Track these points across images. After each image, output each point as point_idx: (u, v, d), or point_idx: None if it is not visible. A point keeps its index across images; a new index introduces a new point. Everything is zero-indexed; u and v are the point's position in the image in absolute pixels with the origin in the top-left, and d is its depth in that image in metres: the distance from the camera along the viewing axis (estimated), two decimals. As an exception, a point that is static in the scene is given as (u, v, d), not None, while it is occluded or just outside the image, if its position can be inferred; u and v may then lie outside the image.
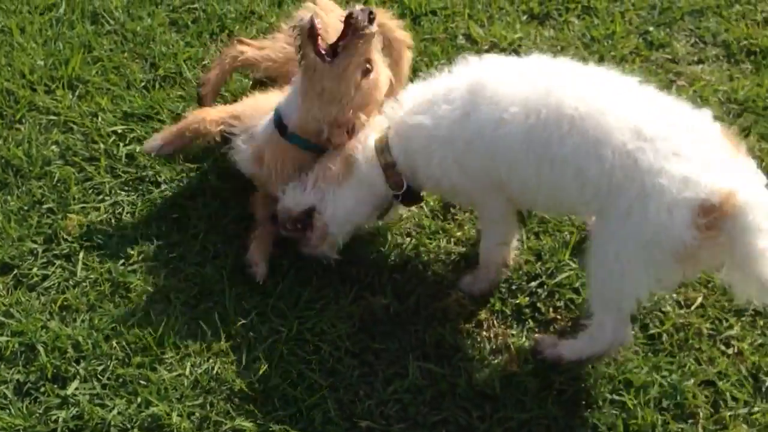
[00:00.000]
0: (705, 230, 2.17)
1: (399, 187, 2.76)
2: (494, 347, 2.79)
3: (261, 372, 2.69)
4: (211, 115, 3.08)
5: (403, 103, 2.74)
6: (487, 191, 2.64)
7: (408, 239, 3.07)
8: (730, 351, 2.75)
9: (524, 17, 3.91)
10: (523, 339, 2.79)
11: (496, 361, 2.74)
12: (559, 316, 2.85)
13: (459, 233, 3.09)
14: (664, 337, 2.77)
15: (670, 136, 2.25)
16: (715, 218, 2.16)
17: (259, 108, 3.03)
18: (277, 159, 2.90)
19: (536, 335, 2.78)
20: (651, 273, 2.34)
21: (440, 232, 3.09)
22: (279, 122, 2.89)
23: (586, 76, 2.50)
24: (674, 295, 2.87)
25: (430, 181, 2.73)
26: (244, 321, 2.83)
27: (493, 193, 2.64)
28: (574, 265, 2.94)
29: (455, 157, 2.58)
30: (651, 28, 3.81)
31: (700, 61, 3.68)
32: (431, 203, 3.17)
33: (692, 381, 2.65)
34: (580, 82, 2.44)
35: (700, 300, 2.85)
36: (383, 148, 2.74)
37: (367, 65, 2.75)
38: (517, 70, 2.55)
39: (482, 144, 2.50)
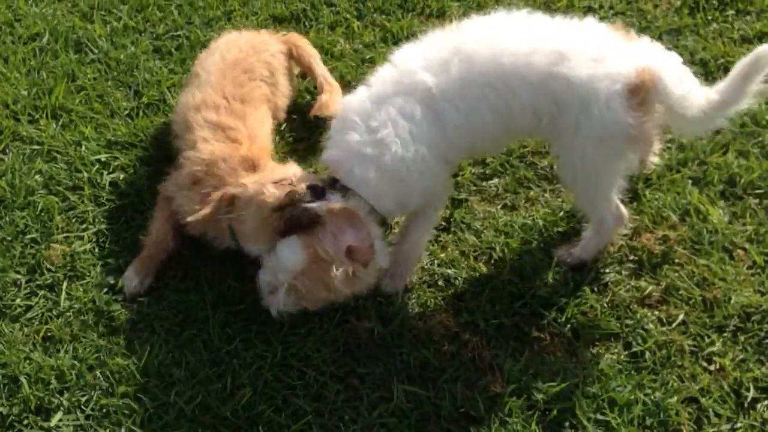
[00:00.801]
0: (640, 107, 2.57)
1: None
2: (478, 368, 2.79)
3: (246, 399, 2.69)
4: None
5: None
6: (446, 176, 2.89)
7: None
8: (712, 367, 2.76)
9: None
10: (507, 359, 2.79)
11: (480, 381, 2.75)
12: (542, 335, 2.86)
13: (442, 254, 3.10)
14: (647, 354, 2.78)
15: (583, 48, 2.60)
16: (643, 94, 2.56)
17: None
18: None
19: (556, 252, 3.00)
20: (616, 162, 2.70)
21: (423, 253, 3.10)
22: None
23: (495, 31, 2.72)
24: (656, 313, 2.89)
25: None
26: (228, 348, 2.83)
27: (447, 177, 2.90)
28: (555, 284, 2.95)
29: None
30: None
31: (678, 79, 3.72)
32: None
33: (675, 398, 2.66)
34: (493, 37, 2.68)
35: (681, 317, 2.86)
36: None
37: None
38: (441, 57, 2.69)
39: (459, 135, 2.70)
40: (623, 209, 2.95)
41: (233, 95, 3.16)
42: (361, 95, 2.75)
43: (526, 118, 2.70)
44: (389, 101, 2.67)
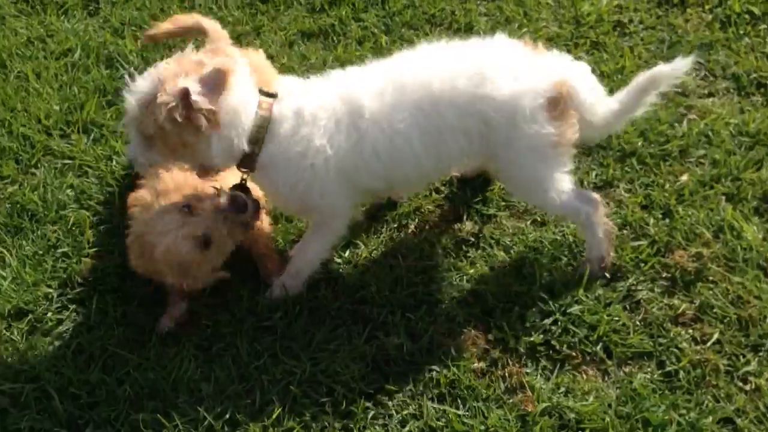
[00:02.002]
0: (560, 116, 2.73)
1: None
2: (509, 386, 2.76)
3: (275, 415, 2.68)
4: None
5: (296, 112, 2.73)
6: (351, 200, 2.91)
7: (420, 277, 3.06)
8: (747, 387, 2.71)
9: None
10: (538, 377, 2.76)
11: (511, 400, 2.72)
12: (573, 353, 2.82)
13: (471, 270, 3.08)
14: (681, 374, 2.74)
15: (501, 66, 2.71)
16: (561, 105, 2.72)
17: None
18: None
19: (585, 269, 2.98)
20: (548, 164, 2.82)
21: (452, 269, 3.08)
22: None
23: (417, 59, 2.81)
24: (690, 331, 2.84)
25: (292, 194, 2.80)
26: (257, 363, 2.83)
27: (354, 199, 2.93)
28: (587, 301, 2.92)
29: (342, 180, 2.79)
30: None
31: (710, 95, 3.68)
32: (443, 241, 3.17)
33: (710, 419, 2.61)
34: (421, 65, 2.77)
35: (716, 336, 2.81)
36: (259, 140, 2.71)
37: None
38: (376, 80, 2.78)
39: (378, 161, 2.76)
40: (591, 194, 3.01)
41: None
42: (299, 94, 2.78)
43: (458, 141, 2.77)
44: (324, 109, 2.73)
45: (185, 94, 2.50)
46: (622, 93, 2.85)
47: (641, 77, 2.81)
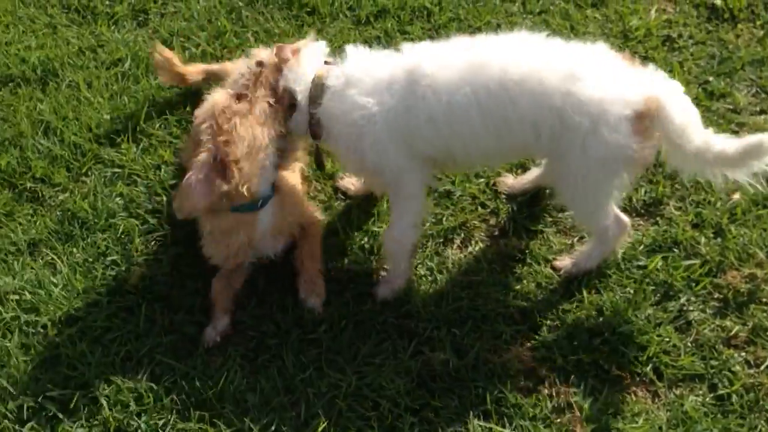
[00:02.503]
0: (644, 133, 2.65)
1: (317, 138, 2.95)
2: (556, 405, 2.73)
3: (320, 429, 2.68)
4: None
5: (348, 73, 2.82)
6: (415, 167, 2.88)
7: (465, 292, 3.04)
8: (804, 413, 2.64)
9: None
10: (586, 397, 2.72)
11: (558, 420, 2.68)
12: (623, 374, 2.78)
13: (518, 286, 3.06)
14: (734, 397, 2.68)
15: (594, 70, 2.66)
16: (648, 121, 2.64)
17: None
18: None
19: (554, 263, 3.05)
20: (613, 181, 2.76)
21: (498, 285, 3.06)
22: None
23: (509, 43, 2.81)
24: (743, 354, 2.79)
25: (352, 154, 2.86)
26: (302, 375, 2.83)
27: (419, 168, 2.89)
28: (636, 321, 2.87)
29: (396, 140, 2.80)
30: (711, 78, 3.76)
31: (762, 112, 3.61)
32: (489, 256, 3.15)
33: (765, 445, 2.55)
34: (506, 49, 2.75)
35: (771, 359, 2.76)
36: (316, 100, 2.85)
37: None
38: (449, 54, 2.78)
39: (434, 129, 2.75)
40: (623, 217, 2.97)
41: None
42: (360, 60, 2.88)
43: (524, 132, 2.72)
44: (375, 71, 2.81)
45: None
46: (727, 141, 2.67)
47: (746, 140, 2.64)
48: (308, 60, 2.92)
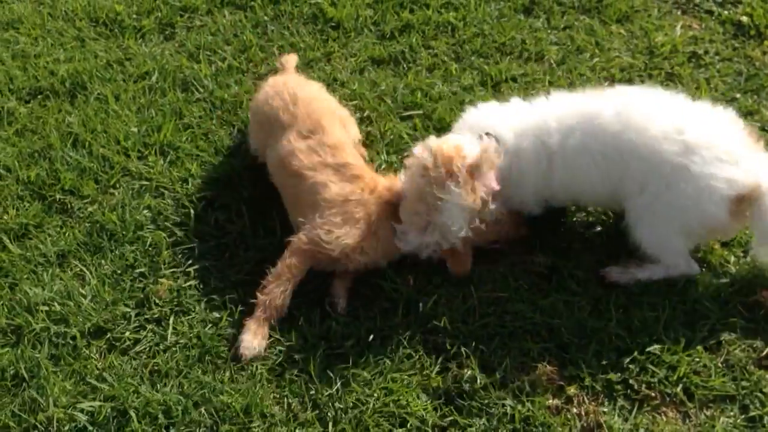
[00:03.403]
0: (739, 215, 2.84)
1: None
2: (585, 425, 2.71)
3: (348, 444, 2.68)
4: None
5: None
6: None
7: (492, 309, 3.03)
8: (837, 436, 2.61)
9: (606, 84, 3.90)
10: (615, 417, 2.71)
11: (587, 439, 2.67)
12: (653, 393, 2.76)
13: (544, 302, 3.04)
14: (766, 419, 2.65)
15: (711, 145, 2.82)
16: (745, 206, 2.82)
17: None
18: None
19: (601, 272, 3.10)
20: (697, 238, 3.00)
21: (525, 302, 3.05)
22: None
23: (630, 95, 3.05)
24: (775, 375, 2.76)
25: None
26: (329, 390, 2.83)
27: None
28: (666, 340, 2.85)
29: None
30: (738, 95, 3.75)
31: (791, 130, 3.60)
32: (516, 272, 3.14)
33: (798, 468, 2.52)
34: (624, 113, 2.95)
35: (803, 381, 2.73)
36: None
37: None
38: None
39: (563, 186, 3.13)
40: (693, 262, 3.04)
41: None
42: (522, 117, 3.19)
43: (631, 187, 2.95)
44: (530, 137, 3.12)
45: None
46: None
47: None
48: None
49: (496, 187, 3.01)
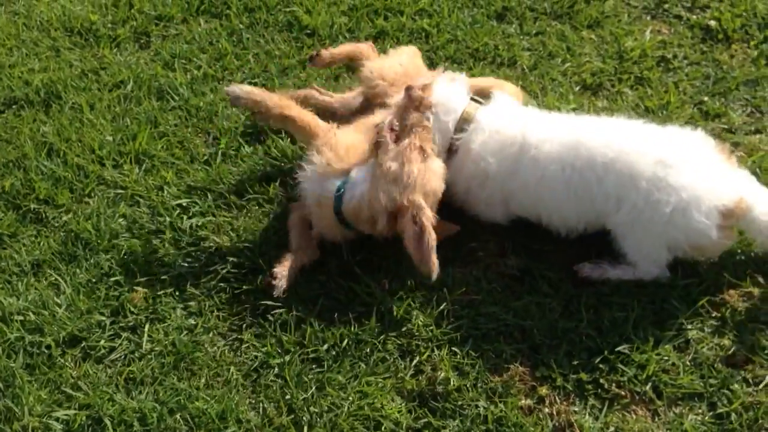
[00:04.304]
0: (726, 230, 2.89)
1: None
2: (557, 425, 2.75)
3: (322, 448, 2.70)
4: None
5: (484, 129, 3.16)
6: (503, 213, 3.29)
7: (466, 311, 3.07)
8: (802, 431, 2.67)
9: (577, 88, 3.96)
10: (586, 416, 2.75)
11: (559, 438, 2.70)
12: (622, 392, 2.80)
13: (518, 305, 3.08)
14: (733, 416, 2.70)
15: (688, 160, 2.90)
16: (733, 220, 2.87)
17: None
18: (323, 223, 3.18)
19: (574, 268, 3.12)
20: (677, 252, 3.00)
21: (498, 304, 3.08)
22: (338, 198, 3.02)
23: (603, 125, 3.13)
24: (742, 373, 2.81)
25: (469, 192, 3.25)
26: (304, 395, 2.85)
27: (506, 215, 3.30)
28: (635, 339, 2.90)
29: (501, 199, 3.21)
30: (706, 98, 3.82)
31: (757, 131, 3.66)
32: (489, 275, 3.17)
33: (764, 463, 2.57)
34: (600, 130, 3.04)
35: (768, 378, 2.78)
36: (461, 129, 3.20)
37: (424, 150, 2.94)
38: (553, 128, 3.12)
39: (527, 193, 3.13)
40: (666, 270, 3.06)
41: None
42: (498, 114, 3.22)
43: (606, 205, 2.98)
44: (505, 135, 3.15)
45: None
46: None
47: None
48: (455, 95, 3.26)
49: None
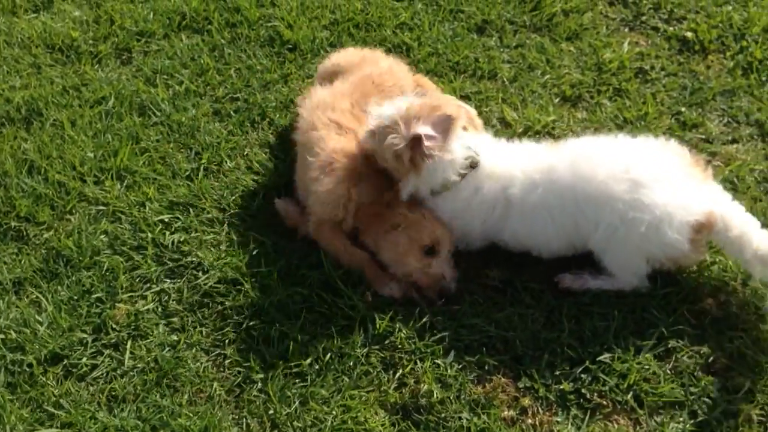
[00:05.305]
0: (698, 243, 2.94)
1: None
2: (539, 435, 2.76)
3: (306, 463, 2.69)
4: None
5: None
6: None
7: (449, 323, 3.08)
8: (782, 438, 2.69)
9: (557, 100, 4.00)
10: (569, 426, 2.76)
11: (542, 449, 2.71)
12: (604, 402, 2.82)
13: (499, 315, 3.09)
14: (713, 423, 2.72)
15: (660, 179, 2.92)
16: (704, 234, 2.92)
17: None
18: None
19: (556, 279, 3.16)
20: (651, 263, 3.05)
21: (480, 315, 3.10)
22: None
23: (579, 147, 3.12)
24: (721, 380, 2.83)
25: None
26: (288, 410, 2.85)
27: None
28: (617, 349, 2.92)
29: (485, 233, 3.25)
30: (683, 109, 3.87)
31: (734, 141, 3.71)
32: (471, 287, 3.19)
33: (745, 470, 2.59)
34: (574, 154, 3.06)
35: (748, 385, 2.80)
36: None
37: None
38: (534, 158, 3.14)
39: (516, 239, 3.19)
40: (646, 280, 3.10)
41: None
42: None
43: (587, 229, 3.04)
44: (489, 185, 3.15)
45: (417, 139, 2.99)
46: None
47: None
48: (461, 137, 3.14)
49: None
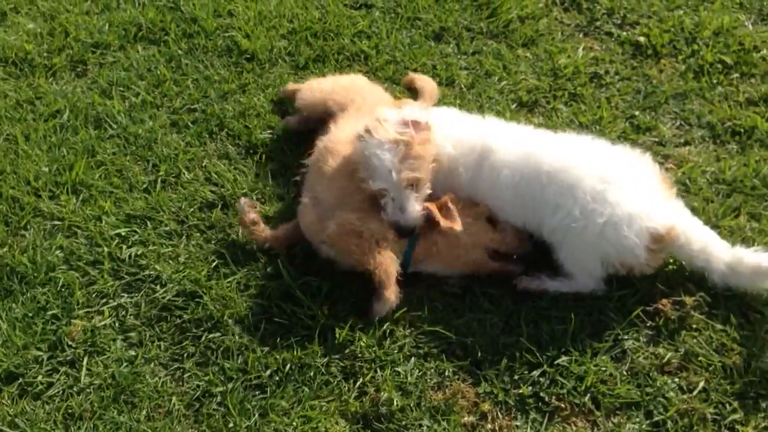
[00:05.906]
0: (654, 253, 2.99)
1: None
2: (499, 440, 2.78)
3: (266, 475, 2.68)
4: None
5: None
6: None
7: (408, 330, 3.09)
8: (735, 436, 2.74)
9: (513, 105, 4.04)
10: (528, 430, 2.78)
11: (502, 454, 2.73)
12: (562, 405, 2.85)
13: (459, 321, 3.11)
14: (669, 423, 2.76)
15: (629, 180, 3.01)
16: (661, 246, 2.98)
17: None
18: None
19: (515, 282, 3.19)
20: (606, 266, 3.08)
21: (439, 322, 3.11)
22: None
23: (555, 140, 3.23)
24: (676, 380, 2.88)
25: None
26: (248, 422, 2.83)
27: None
28: (574, 352, 2.95)
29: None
30: (637, 113, 3.93)
31: (686, 143, 3.78)
32: (431, 294, 3.20)
33: (700, 468, 2.63)
34: (551, 144, 3.16)
35: (702, 384, 2.85)
36: None
37: None
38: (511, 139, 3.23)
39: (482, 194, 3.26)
40: (602, 283, 3.14)
41: None
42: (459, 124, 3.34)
43: (543, 210, 3.08)
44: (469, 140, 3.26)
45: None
46: (761, 254, 2.95)
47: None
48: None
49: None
